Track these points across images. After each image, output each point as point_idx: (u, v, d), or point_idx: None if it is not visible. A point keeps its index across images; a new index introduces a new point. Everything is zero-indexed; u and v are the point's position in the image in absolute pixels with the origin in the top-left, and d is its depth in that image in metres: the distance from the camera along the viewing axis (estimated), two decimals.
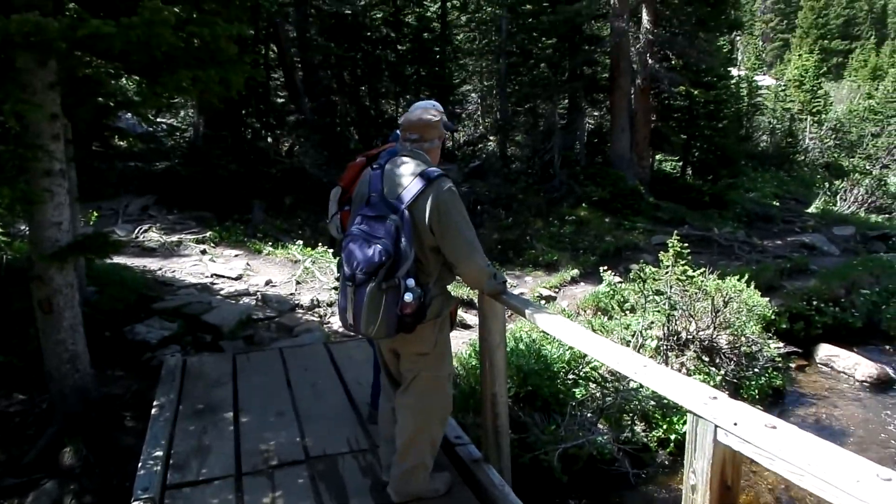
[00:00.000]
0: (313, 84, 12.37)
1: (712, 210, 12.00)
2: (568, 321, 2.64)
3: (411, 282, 2.45)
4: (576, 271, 8.82)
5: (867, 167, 15.33)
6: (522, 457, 4.80)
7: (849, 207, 12.87)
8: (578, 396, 5.50)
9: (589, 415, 5.46)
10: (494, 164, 13.38)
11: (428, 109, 2.71)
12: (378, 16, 14.00)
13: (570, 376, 5.63)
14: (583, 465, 5.04)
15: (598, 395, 5.45)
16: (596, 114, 15.17)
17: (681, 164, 14.37)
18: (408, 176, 2.54)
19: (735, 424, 1.73)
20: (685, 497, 1.96)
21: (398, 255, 2.42)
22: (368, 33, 13.38)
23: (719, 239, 10.35)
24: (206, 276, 7.43)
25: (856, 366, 7.35)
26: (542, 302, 7.60)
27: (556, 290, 8.39)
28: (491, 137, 15.75)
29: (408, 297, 2.44)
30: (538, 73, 13.42)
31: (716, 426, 1.80)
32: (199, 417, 3.89)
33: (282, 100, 12.88)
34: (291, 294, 7.12)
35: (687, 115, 13.58)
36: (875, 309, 8.28)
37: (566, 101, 13.75)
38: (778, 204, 13.21)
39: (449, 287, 2.79)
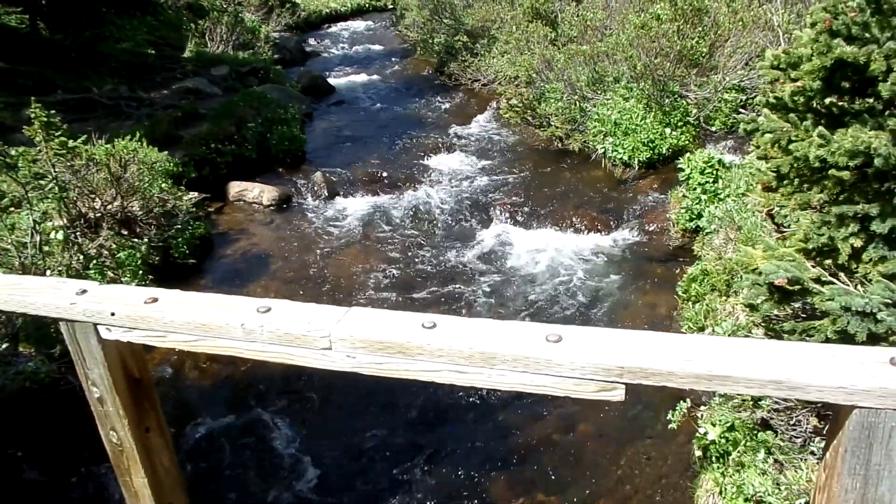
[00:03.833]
0: None
1: (85, 68, 10.64)
2: None
3: None
4: None
5: (224, 5, 16.07)
6: None
7: (218, 47, 13.44)
8: None
9: None
10: None
11: None
12: None
13: None
14: None
15: None
16: None
17: (28, 16, 11.98)
18: None
19: (113, 315, 1.44)
20: (97, 415, 1.65)
21: None
22: None
23: (102, 99, 9.38)
24: None
25: (262, 193, 8.15)
26: None
27: None
28: None
29: None
30: None
31: (95, 325, 1.48)
32: None
33: None
34: None
35: None
36: (262, 138, 9.16)
37: None
38: (154, 52, 12.73)
39: None
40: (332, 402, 4.75)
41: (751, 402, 3.34)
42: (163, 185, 6.70)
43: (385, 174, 8.86)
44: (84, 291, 1.49)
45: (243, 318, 1.34)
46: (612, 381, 1.12)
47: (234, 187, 8.29)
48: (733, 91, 8.85)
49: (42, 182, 5.34)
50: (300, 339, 1.29)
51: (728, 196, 6.13)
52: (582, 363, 1.12)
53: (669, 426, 3.75)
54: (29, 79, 9.51)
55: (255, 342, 1.34)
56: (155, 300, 1.43)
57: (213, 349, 1.40)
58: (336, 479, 4.07)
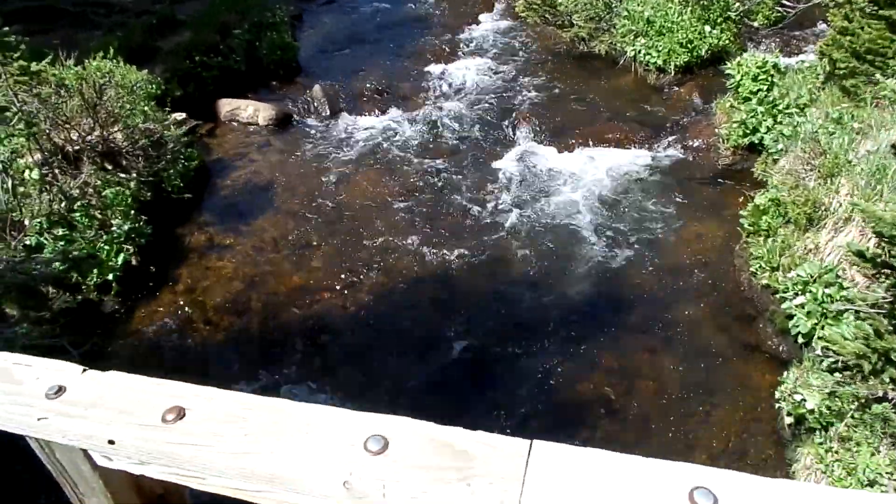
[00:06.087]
0: None
1: None
2: None
3: None
4: None
5: None
6: None
7: None
8: None
9: None
10: None
11: None
12: None
13: None
14: None
15: None
16: None
17: None
18: None
19: (113, 443, 0.87)
20: None
21: None
22: None
23: (67, 6, 8.29)
24: None
25: (257, 112, 7.33)
26: None
27: None
28: None
29: None
30: None
31: (84, 451, 0.91)
32: None
33: None
34: None
35: None
36: (251, 48, 8.18)
37: None
38: None
39: None
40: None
41: (859, 370, 2.87)
42: (146, 109, 5.91)
43: (390, 86, 7.99)
44: (61, 391, 0.90)
45: (346, 466, 0.77)
46: None
47: (225, 105, 7.46)
48: None
49: (8, 115, 4.58)
50: None
51: (789, 107, 5.43)
52: None
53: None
54: None
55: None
56: (181, 415, 0.86)
57: (218, 489, 0.84)
58: None
